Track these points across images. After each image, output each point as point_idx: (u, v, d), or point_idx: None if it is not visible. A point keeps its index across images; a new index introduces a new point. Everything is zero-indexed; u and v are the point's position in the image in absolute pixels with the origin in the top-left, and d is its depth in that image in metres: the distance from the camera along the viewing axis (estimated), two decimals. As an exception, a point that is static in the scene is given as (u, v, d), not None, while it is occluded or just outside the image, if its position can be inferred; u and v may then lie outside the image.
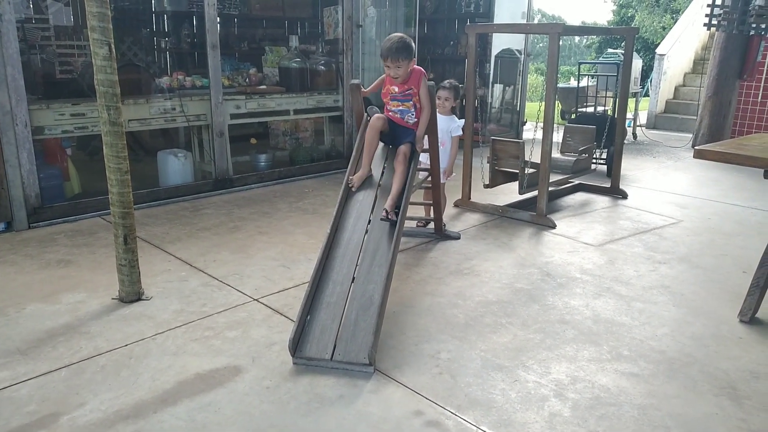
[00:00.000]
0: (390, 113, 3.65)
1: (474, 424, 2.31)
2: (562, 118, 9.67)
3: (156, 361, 2.71)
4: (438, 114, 4.46)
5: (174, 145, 6.31)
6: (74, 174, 5.26)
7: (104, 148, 3.10)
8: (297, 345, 2.70)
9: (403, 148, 3.53)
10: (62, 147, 5.20)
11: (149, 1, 7.43)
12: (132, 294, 3.31)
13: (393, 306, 3.26)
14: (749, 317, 3.20)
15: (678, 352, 2.89)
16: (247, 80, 6.21)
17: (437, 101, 4.44)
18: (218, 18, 5.58)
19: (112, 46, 2.98)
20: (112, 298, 3.33)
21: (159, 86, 5.58)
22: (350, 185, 3.45)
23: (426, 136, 3.75)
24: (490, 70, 8.61)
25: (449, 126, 4.44)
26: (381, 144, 3.72)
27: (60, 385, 2.53)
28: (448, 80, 4.58)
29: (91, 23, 2.93)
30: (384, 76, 3.62)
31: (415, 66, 3.56)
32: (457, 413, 2.38)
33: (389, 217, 3.22)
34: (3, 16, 4.19)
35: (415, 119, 3.63)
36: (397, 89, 3.57)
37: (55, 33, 5.62)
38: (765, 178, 3.11)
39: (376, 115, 3.59)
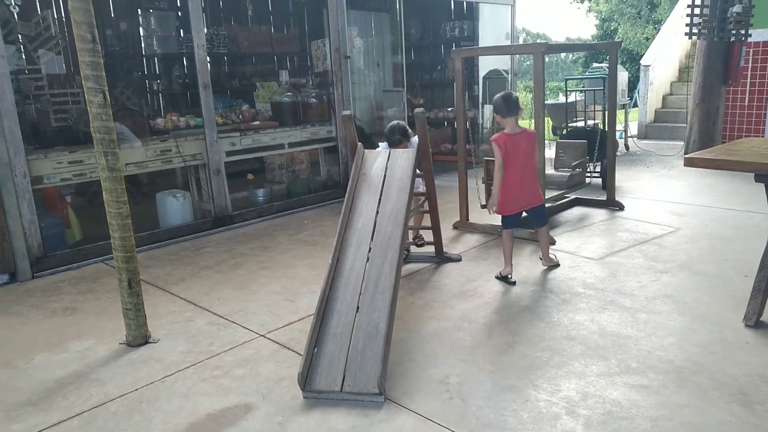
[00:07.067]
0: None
1: (488, 446, 2.31)
2: (554, 133, 9.75)
3: (167, 404, 2.71)
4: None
5: (172, 186, 6.36)
6: (75, 221, 5.29)
7: (104, 193, 3.14)
8: (306, 378, 2.71)
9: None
10: (62, 195, 5.26)
11: (139, 45, 7.55)
12: (139, 337, 3.32)
13: (399, 332, 3.27)
14: (754, 321, 3.21)
15: (686, 360, 2.90)
16: (240, 117, 6.28)
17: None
18: (208, 58, 5.68)
19: (107, 93, 3.04)
20: (120, 343, 3.34)
21: (154, 128, 5.65)
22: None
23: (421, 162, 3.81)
24: (478, 92, 8.72)
25: None
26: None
27: (72, 434, 2.52)
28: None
29: (85, 72, 2.99)
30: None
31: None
32: (470, 437, 2.38)
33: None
34: (-2, 70, 4.26)
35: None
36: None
37: (48, 82, 5.70)
38: (756, 181, 3.15)
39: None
